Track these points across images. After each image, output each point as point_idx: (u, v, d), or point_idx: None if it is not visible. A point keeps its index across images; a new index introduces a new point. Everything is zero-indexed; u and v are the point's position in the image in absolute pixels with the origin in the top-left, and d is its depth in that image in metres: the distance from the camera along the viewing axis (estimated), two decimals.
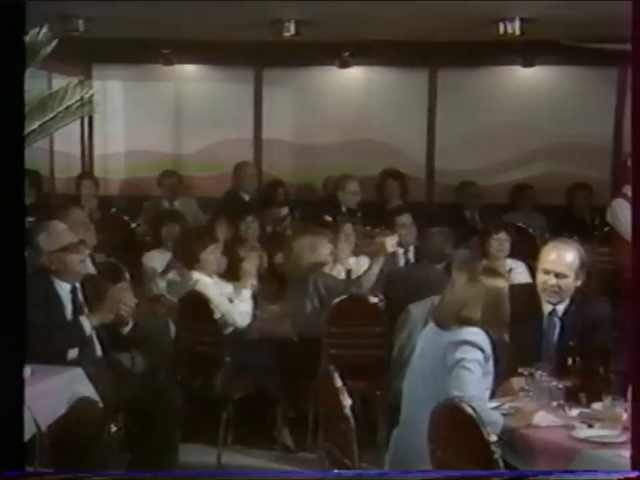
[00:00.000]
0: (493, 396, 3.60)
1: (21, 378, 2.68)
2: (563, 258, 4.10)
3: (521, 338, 3.91)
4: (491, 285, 3.60)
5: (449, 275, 5.66)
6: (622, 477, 2.90)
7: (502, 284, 3.68)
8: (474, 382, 3.41)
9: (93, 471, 3.28)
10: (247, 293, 5.46)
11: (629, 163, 5.87)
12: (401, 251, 6.41)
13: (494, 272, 3.79)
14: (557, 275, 4.04)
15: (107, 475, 3.14)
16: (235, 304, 5.40)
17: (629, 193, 5.75)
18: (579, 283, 4.12)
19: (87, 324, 4.42)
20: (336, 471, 3.48)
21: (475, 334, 3.47)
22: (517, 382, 3.72)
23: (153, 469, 4.45)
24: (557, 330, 4.08)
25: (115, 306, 4.43)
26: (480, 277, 3.60)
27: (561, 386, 3.61)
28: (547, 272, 4.03)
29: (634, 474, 2.60)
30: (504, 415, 3.43)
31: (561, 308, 4.12)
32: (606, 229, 6.37)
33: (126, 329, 4.62)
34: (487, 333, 3.50)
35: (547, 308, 4.09)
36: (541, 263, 4.13)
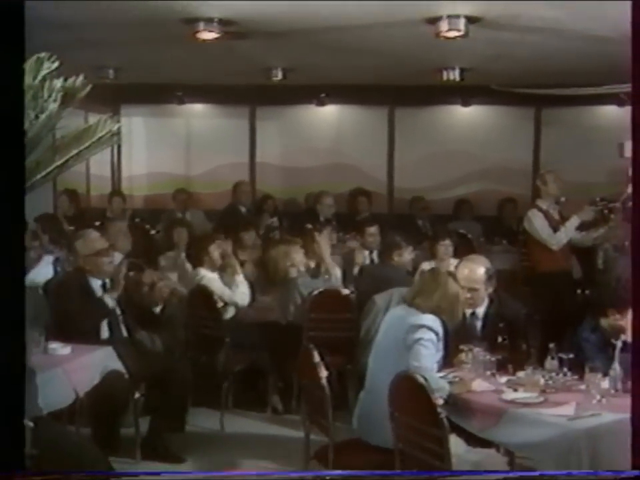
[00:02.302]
0: (444, 367, 3.61)
1: (21, 380, 2.36)
2: (473, 275, 3.99)
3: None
4: (452, 286, 3.61)
5: (406, 272, 5.68)
6: (622, 477, 2.65)
7: (459, 286, 3.68)
8: (428, 356, 3.41)
9: (93, 471, 2.91)
10: (240, 278, 5.44)
11: (538, 183, 5.99)
12: (366, 252, 6.43)
13: (454, 276, 3.78)
14: (469, 290, 3.92)
15: (108, 475, 2.91)
16: (234, 290, 5.38)
17: (541, 204, 5.85)
18: (490, 290, 4.04)
19: (109, 299, 4.43)
20: (335, 471, 3.37)
21: (432, 320, 3.48)
22: (464, 356, 3.73)
23: (168, 428, 4.44)
24: (479, 327, 4.03)
25: (121, 283, 4.46)
26: (445, 280, 3.61)
27: (493, 359, 3.63)
28: (461, 287, 3.82)
29: (634, 474, 2.34)
30: (449, 382, 3.45)
31: (480, 311, 4.04)
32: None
33: (157, 309, 4.65)
34: (442, 320, 3.50)
35: (468, 310, 3.96)
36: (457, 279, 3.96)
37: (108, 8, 4.66)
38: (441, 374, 3.52)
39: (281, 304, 5.25)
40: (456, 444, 3.04)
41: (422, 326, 3.45)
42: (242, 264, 5.67)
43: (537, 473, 3.03)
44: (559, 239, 5.69)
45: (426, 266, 5.62)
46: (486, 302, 4.06)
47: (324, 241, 5.72)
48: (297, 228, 6.47)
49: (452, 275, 3.79)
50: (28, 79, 3.44)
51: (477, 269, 4.02)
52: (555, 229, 5.72)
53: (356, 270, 6.09)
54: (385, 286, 5.06)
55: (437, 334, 3.47)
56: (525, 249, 6.30)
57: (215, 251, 5.50)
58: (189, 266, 5.73)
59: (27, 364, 2.98)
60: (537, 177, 5.97)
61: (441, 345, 3.50)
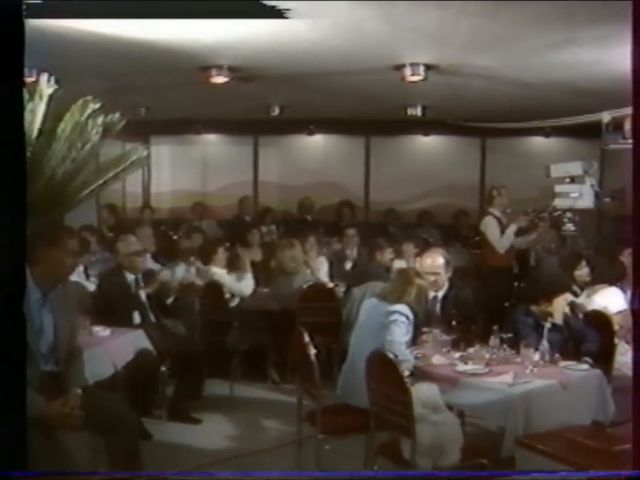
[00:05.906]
0: (410, 347, 3.64)
1: (22, 380, 1.97)
2: (434, 262, 4.06)
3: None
4: (420, 283, 3.64)
5: (385, 269, 5.65)
6: (622, 477, 2.29)
7: (425, 282, 3.71)
8: (399, 334, 3.44)
9: (94, 471, 2.70)
10: (248, 275, 5.52)
11: (494, 193, 6.01)
12: (349, 251, 6.43)
13: (421, 275, 3.79)
14: (433, 274, 3.98)
15: (109, 475, 2.64)
16: (242, 283, 5.45)
17: (494, 212, 5.89)
18: (449, 274, 4.10)
19: (143, 294, 4.45)
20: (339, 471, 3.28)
21: (403, 308, 3.51)
22: (425, 337, 3.76)
23: (188, 395, 4.42)
24: (438, 307, 4.07)
25: (156, 282, 4.54)
26: (414, 279, 3.63)
27: (448, 338, 3.66)
28: (426, 273, 3.88)
29: (634, 474, 2.05)
30: (415, 358, 3.48)
31: (440, 294, 4.08)
32: (477, 238, 6.42)
33: (169, 300, 4.65)
34: (411, 308, 3.53)
35: (430, 294, 3.97)
36: (421, 267, 4.04)
37: (139, 60, 4.68)
38: (408, 351, 3.55)
39: (280, 291, 5.27)
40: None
41: (396, 311, 3.49)
42: (252, 263, 5.73)
43: (537, 473, 2.69)
44: (503, 244, 5.75)
45: (397, 264, 5.65)
46: (446, 286, 4.10)
47: (311, 247, 5.82)
48: (291, 233, 6.49)
49: (418, 273, 3.81)
50: (76, 117, 3.47)
51: (437, 258, 4.09)
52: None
53: (344, 266, 6.10)
54: (362, 280, 5.09)
55: (407, 318, 3.50)
56: (478, 250, 6.34)
57: (222, 252, 5.54)
58: (202, 265, 5.73)
59: (75, 344, 3.01)
60: (493, 188, 6.00)
61: (410, 328, 3.53)
